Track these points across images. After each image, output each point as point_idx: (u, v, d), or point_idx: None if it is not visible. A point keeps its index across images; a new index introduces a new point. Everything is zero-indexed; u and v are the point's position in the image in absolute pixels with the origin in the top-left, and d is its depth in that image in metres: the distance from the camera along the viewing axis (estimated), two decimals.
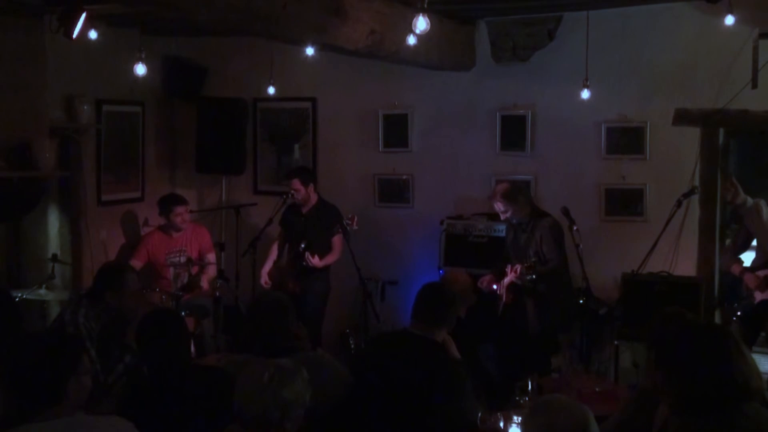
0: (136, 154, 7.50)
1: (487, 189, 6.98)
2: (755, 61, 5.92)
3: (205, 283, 6.75)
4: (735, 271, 5.57)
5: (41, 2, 5.71)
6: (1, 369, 2.80)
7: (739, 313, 5.46)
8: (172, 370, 3.54)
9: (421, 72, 6.95)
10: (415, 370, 3.85)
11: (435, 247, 6.85)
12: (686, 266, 6.28)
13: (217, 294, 6.57)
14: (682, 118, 6.35)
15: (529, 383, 4.12)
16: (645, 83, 6.47)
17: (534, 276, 5.50)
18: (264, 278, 6.75)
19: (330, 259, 6.61)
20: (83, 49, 5.98)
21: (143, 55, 6.06)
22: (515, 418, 3.79)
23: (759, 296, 5.39)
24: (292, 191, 6.65)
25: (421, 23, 4.10)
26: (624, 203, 6.58)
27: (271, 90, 6.94)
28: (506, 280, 5.75)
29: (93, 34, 5.46)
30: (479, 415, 3.82)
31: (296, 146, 7.74)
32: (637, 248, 5.74)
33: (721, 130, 6.36)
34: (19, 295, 5.70)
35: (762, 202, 5.45)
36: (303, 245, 6.45)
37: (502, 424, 3.83)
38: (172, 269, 6.66)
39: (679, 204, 5.56)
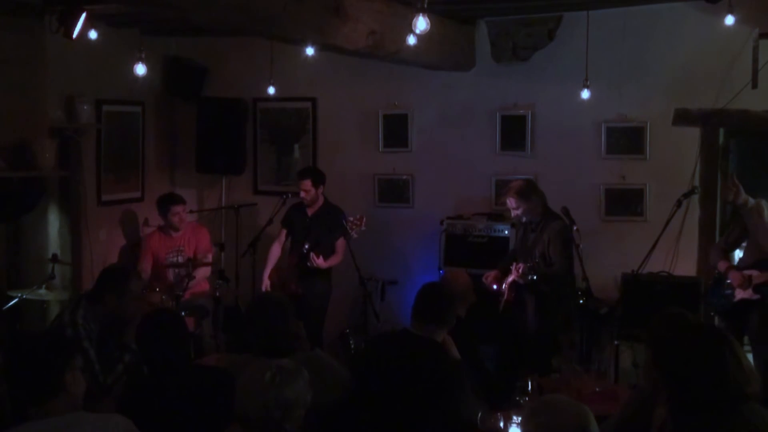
0: (136, 154, 7.51)
1: (487, 189, 6.99)
2: (755, 61, 5.92)
3: (198, 275, 6.71)
4: (721, 268, 5.55)
5: (41, 2, 5.71)
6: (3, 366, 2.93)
7: (722, 311, 5.44)
8: (172, 370, 3.54)
9: (421, 72, 6.95)
10: (415, 370, 3.85)
11: (435, 247, 6.85)
12: (686, 266, 6.28)
13: (217, 294, 6.57)
14: (682, 118, 6.35)
15: (529, 383, 4.11)
16: (645, 83, 6.47)
17: (535, 277, 5.50)
18: (266, 283, 6.72)
19: (333, 260, 6.61)
20: (83, 49, 5.97)
21: (143, 55, 6.05)
22: (515, 418, 3.78)
23: (739, 294, 5.37)
24: (302, 191, 6.63)
25: (421, 23, 4.10)
26: (624, 203, 6.59)
27: (271, 90, 6.94)
28: (509, 279, 5.75)
29: (93, 34, 5.47)
30: (479, 415, 3.82)
31: (296, 146, 7.74)
32: (637, 248, 5.74)
33: (721, 130, 6.36)
34: (19, 295, 5.70)
35: (763, 203, 5.44)
36: (307, 246, 6.45)
37: (502, 424, 3.83)
38: (171, 270, 6.66)
39: (679, 204, 5.55)
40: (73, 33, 4.85)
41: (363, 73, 7.20)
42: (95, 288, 4.72)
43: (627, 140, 6.55)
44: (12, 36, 6.17)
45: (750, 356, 5.11)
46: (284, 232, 6.88)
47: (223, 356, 5.04)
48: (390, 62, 6.42)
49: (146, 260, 6.83)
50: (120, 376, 4.32)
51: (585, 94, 6.15)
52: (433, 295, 4.16)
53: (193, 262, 6.67)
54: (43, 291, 5.80)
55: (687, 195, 5.64)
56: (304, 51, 5.77)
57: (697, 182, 6.22)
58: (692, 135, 6.35)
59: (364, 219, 6.21)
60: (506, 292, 5.77)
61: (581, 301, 5.81)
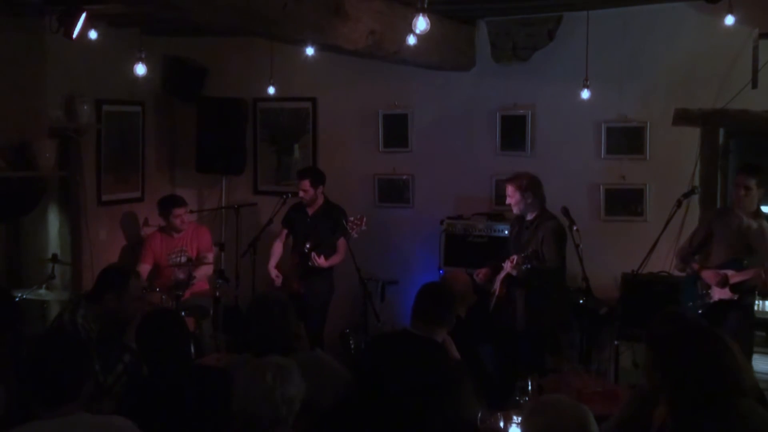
0: (136, 154, 7.50)
1: (487, 189, 7.00)
2: (755, 61, 5.93)
3: (199, 274, 6.72)
4: (693, 268, 5.54)
5: (41, 2, 5.70)
6: (18, 367, 2.86)
7: (700, 312, 5.43)
8: (172, 370, 3.54)
9: (421, 72, 6.95)
10: (414, 370, 3.85)
11: (435, 247, 6.85)
12: None
13: (217, 294, 6.57)
14: (682, 118, 6.35)
15: (529, 383, 4.11)
16: (645, 83, 6.47)
17: (529, 266, 5.49)
18: (273, 272, 6.71)
19: (334, 260, 6.61)
20: (83, 49, 5.97)
21: (143, 55, 6.06)
22: (515, 418, 3.78)
23: (717, 294, 5.35)
24: (300, 191, 6.64)
25: (421, 23, 4.09)
26: (624, 203, 6.59)
27: (271, 90, 6.95)
28: (501, 273, 5.74)
29: (93, 34, 5.46)
30: (479, 415, 3.82)
31: (296, 146, 7.74)
32: (637, 248, 5.74)
33: (721, 130, 6.37)
34: (19, 295, 5.69)
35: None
36: (308, 246, 6.45)
37: (502, 424, 3.83)
38: (174, 270, 6.66)
39: (679, 204, 5.55)
40: (73, 33, 4.84)
41: (363, 73, 7.20)
42: (95, 288, 4.71)
43: (627, 140, 6.55)
44: (12, 36, 6.17)
45: None
46: (285, 231, 6.89)
47: (223, 356, 5.04)
48: (390, 62, 6.42)
49: (147, 261, 6.84)
50: (120, 376, 4.31)
51: (585, 94, 6.14)
52: (433, 296, 4.16)
53: (195, 262, 6.69)
54: (43, 291, 5.80)
55: (687, 195, 5.64)
56: (304, 51, 5.77)
57: (697, 182, 6.22)
58: (692, 135, 6.35)
59: (365, 219, 6.21)
60: (498, 287, 5.77)
61: (581, 301, 5.81)
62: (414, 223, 7.25)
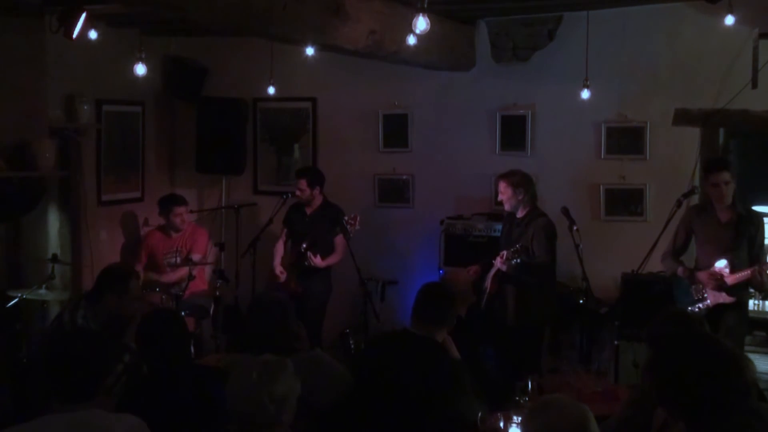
0: (136, 153, 7.50)
1: (487, 189, 6.99)
2: (755, 61, 5.92)
3: (177, 274, 6.74)
4: (682, 274, 5.46)
5: (41, 2, 5.70)
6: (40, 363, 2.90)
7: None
8: (172, 370, 3.54)
9: (421, 72, 6.95)
10: (415, 370, 3.85)
11: (435, 247, 6.85)
12: None
13: (217, 294, 6.57)
14: (682, 118, 6.35)
15: (529, 383, 4.11)
16: (645, 83, 6.47)
17: (519, 260, 5.50)
18: (278, 269, 6.72)
19: (332, 259, 6.61)
20: (83, 49, 5.97)
21: (143, 55, 6.05)
22: (515, 418, 3.78)
23: (713, 298, 5.31)
24: (297, 190, 6.64)
25: (421, 23, 4.10)
26: (624, 203, 6.59)
27: (271, 90, 6.95)
28: (492, 270, 5.75)
29: (93, 34, 5.46)
30: (479, 415, 3.82)
31: (296, 146, 7.74)
32: (637, 248, 5.73)
33: (721, 130, 6.36)
34: (19, 295, 5.70)
35: None
36: (304, 245, 6.45)
37: (502, 424, 3.83)
38: (169, 270, 6.68)
39: (679, 204, 5.55)
40: (73, 33, 4.84)
41: (363, 73, 7.19)
42: (95, 288, 4.72)
43: (627, 140, 6.55)
44: (12, 36, 6.17)
45: None
46: (285, 231, 6.89)
47: (223, 356, 5.04)
48: (390, 62, 6.42)
49: (141, 261, 6.89)
50: (120, 377, 4.31)
51: (585, 94, 6.15)
52: (433, 295, 4.16)
53: (192, 263, 6.68)
54: (43, 291, 5.80)
55: (687, 195, 5.63)
56: (304, 51, 5.77)
57: (697, 182, 6.20)
58: (692, 135, 6.35)
59: (358, 218, 6.21)
60: (489, 284, 5.77)
61: (581, 301, 5.81)
62: (414, 223, 7.25)
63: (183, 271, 6.76)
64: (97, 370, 2.85)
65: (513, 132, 6.90)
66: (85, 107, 6.68)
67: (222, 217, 7.78)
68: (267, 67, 7.06)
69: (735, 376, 2.64)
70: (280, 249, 6.86)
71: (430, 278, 6.02)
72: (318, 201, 6.70)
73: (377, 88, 7.32)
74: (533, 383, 4.15)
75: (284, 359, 3.07)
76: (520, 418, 3.71)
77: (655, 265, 5.99)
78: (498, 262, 5.65)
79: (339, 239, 6.55)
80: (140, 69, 6.06)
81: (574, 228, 5.61)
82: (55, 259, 6.14)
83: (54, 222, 6.68)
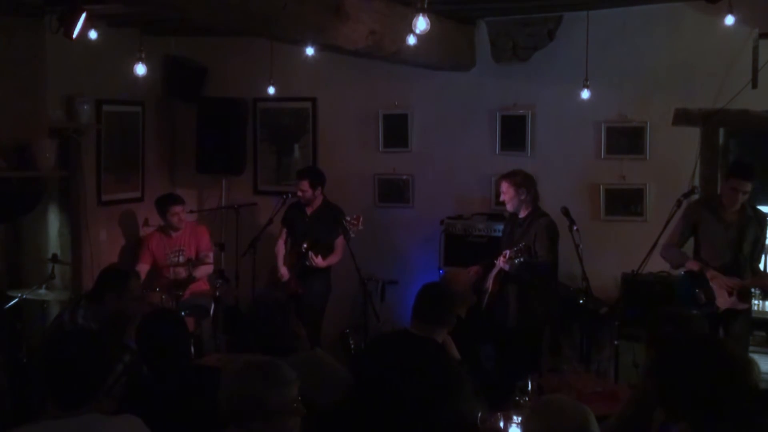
0: (136, 154, 7.50)
1: (487, 189, 6.99)
2: (755, 61, 5.93)
3: (199, 274, 6.73)
4: (694, 267, 5.41)
5: (41, 2, 5.70)
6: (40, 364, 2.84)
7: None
8: (172, 370, 3.54)
9: (421, 72, 6.95)
10: (414, 370, 3.85)
11: (435, 247, 6.85)
12: None
13: (217, 294, 6.57)
14: (682, 118, 6.35)
15: (529, 383, 4.11)
16: (645, 83, 6.47)
17: (522, 259, 5.50)
18: (282, 269, 6.71)
19: (332, 259, 6.62)
20: (83, 49, 5.97)
21: (143, 55, 6.05)
22: (515, 418, 3.78)
23: (725, 303, 5.28)
24: (299, 191, 6.65)
25: (421, 23, 4.10)
26: (624, 203, 6.59)
27: (271, 90, 6.95)
28: (494, 270, 5.75)
29: (93, 34, 5.45)
30: (479, 415, 3.82)
31: (296, 146, 7.74)
32: (637, 248, 5.73)
33: (721, 130, 6.36)
34: (19, 295, 5.70)
35: None
36: (305, 246, 6.45)
37: (502, 424, 3.83)
38: (172, 270, 6.67)
39: (679, 204, 5.54)
40: (73, 33, 4.84)
41: (363, 73, 7.19)
42: (95, 288, 4.72)
43: (627, 140, 6.55)
44: (12, 36, 6.17)
45: None
46: (285, 231, 6.89)
47: (223, 356, 5.04)
48: (390, 62, 6.42)
49: (145, 260, 6.86)
50: (119, 377, 4.31)
51: (585, 94, 6.15)
52: (433, 296, 4.16)
53: (194, 262, 6.70)
54: (43, 291, 5.80)
55: (687, 195, 5.62)
56: (304, 51, 5.77)
57: (697, 182, 6.21)
58: (692, 135, 6.35)
59: (361, 219, 6.21)
60: (491, 285, 5.77)
61: (581, 301, 5.81)
62: (414, 223, 7.25)
63: (206, 268, 6.82)
64: (99, 371, 2.82)
65: (513, 132, 6.90)
66: (85, 107, 6.68)
67: (222, 217, 7.77)
68: (267, 67, 7.06)
69: (739, 378, 2.63)
70: (281, 249, 6.86)
71: (430, 278, 6.02)
72: (318, 201, 6.70)
73: (377, 88, 7.32)
74: (533, 383, 4.15)
75: (269, 359, 2.98)
76: (520, 418, 3.71)
77: (656, 265, 5.99)
78: (500, 262, 5.64)
79: (339, 240, 6.55)
80: (140, 69, 6.06)
81: (574, 228, 5.61)
82: (55, 259, 6.14)
83: (54, 222, 6.68)
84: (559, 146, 6.77)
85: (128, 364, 4.28)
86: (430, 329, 4.04)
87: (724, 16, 5.37)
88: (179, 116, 7.98)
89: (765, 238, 5.42)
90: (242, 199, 7.61)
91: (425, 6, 4.10)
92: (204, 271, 6.85)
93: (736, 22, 5.40)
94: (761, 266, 5.73)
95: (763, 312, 6.20)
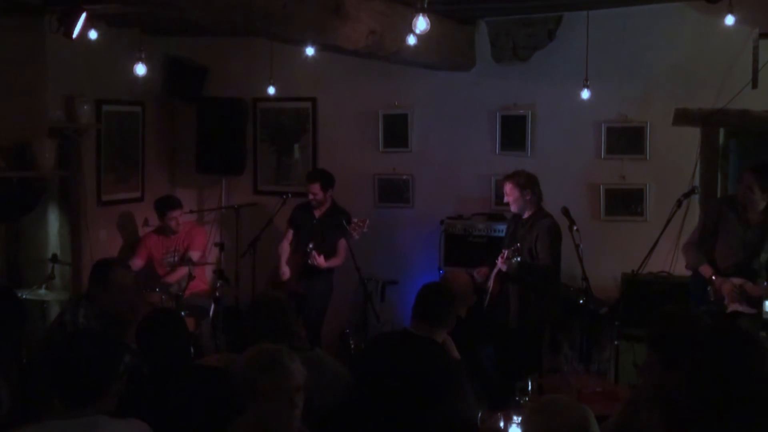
0: (136, 154, 7.50)
1: (487, 189, 6.99)
2: (755, 61, 5.93)
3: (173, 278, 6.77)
4: (705, 273, 5.36)
5: (41, 2, 5.70)
6: (47, 364, 2.85)
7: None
8: (172, 370, 3.54)
9: (421, 72, 6.95)
10: (415, 370, 3.85)
11: (435, 247, 6.85)
12: None
13: (217, 294, 6.57)
14: (682, 118, 6.35)
15: (529, 383, 4.12)
16: (645, 83, 6.47)
17: (519, 258, 5.50)
18: (283, 270, 6.72)
19: (334, 261, 6.63)
20: (83, 49, 5.98)
21: (143, 55, 6.05)
22: (515, 418, 3.78)
23: (734, 306, 5.23)
24: (311, 194, 6.66)
25: (421, 23, 4.10)
26: (624, 203, 6.59)
27: (271, 90, 6.95)
28: (494, 270, 5.75)
29: (93, 34, 5.46)
30: (479, 415, 3.82)
31: (296, 146, 7.73)
32: (637, 248, 5.73)
33: (721, 130, 6.36)
34: (19, 295, 5.68)
35: None
36: (310, 246, 6.46)
37: (502, 424, 3.83)
38: (168, 270, 6.68)
39: (679, 204, 5.54)
40: (73, 33, 4.85)
41: (363, 73, 7.19)
42: (89, 286, 4.71)
43: (627, 140, 6.55)
44: (12, 36, 6.17)
45: None
46: (291, 231, 6.89)
47: (223, 356, 5.04)
48: (390, 62, 6.42)
49: (140, 257, 6.93)
50: (120, 377, 4.31)
51: (585, 94, 6.15)
52: (433, 296, 4.16)
53: (191, 263, 6.68)
54: (43, 291, 5.81)
55: (687, 195, 5.63)
56: (304, 51, 5.77)
57: (697, 182, 6.21)
58: (692, 135, 6.35)
59: (368, 221, 6.23)
60: (492, 284, 5.78)
61: (581, 301, 5.81)
62: (414, 223, 7.25)
63: (183, 271, 6.78)
64: (107, 370, 2.82)
65: (513, 132, 6.90)
66: (85, 107, 6.68)
67: (222, 217, 7.78)
68: (267, 67, 7.06)
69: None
70: (286, 249, 6.86)
71: (430, 278, 6.01)
72: (328, 204, 6.72)
73: (377, 88, 7.32)
74: (533, 383, 4.16)
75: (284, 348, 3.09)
76: (520, 418, 3.71)
77: (656, 265, 6.00)
78: (499, 262, 5.65)
79: (341, 242, 6.56)
80: (140, 69, 6.06)
81: (574, 228, 5.61)
82: (55, 259, 6.15)
83: (54, 222, 6.68)
84: (559, 146, 6.77)
85: (128, 365, 4.28)
86: (430, 329, 4.04)
87: (724, 16, 5.37)
88: (179, 116, 7.98)
89: None
90: (242, 199, 7.61)
91: (425, 6, 4.10)
92: (181, 273, 6.83)
93: (736, 22, 5.40)
94: None
95: (764, 312, 6.19)
